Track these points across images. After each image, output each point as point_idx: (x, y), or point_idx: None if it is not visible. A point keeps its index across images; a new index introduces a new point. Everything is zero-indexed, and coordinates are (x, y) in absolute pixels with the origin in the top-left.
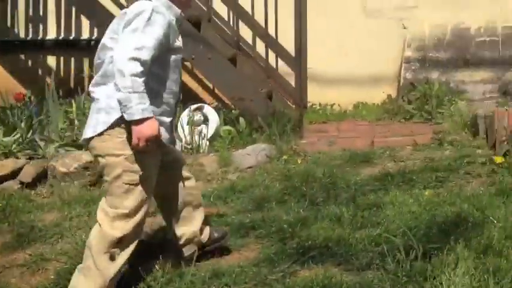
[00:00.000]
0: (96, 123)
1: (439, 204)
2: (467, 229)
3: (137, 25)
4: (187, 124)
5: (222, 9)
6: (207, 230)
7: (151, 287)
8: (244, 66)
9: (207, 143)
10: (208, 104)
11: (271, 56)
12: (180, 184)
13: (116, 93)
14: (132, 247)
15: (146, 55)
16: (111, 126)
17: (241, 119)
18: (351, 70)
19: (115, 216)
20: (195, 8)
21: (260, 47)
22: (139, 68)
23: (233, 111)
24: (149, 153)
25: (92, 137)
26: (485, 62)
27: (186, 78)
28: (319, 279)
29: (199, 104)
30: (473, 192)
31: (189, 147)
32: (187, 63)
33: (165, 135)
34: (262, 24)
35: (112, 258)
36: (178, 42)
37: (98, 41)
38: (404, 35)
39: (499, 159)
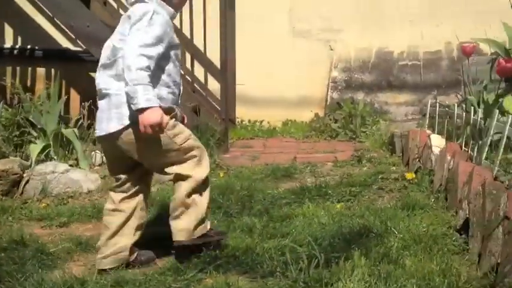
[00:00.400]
0: (120, 116)
1: (348, 217)
2: (369, 239)
3: (141, 25)
4: None
5: None
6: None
7: None
8: None
9: None
10: None
11: (201, 71)
12: None
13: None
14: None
15: (151, 51)
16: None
17: None
18: (280, 89)
19: (193, 166)
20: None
21: (189, 60)
22: (145, 63)
23: None
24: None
25: (119, 130)
26: (408, 85)
27: None
28: (219, 286)
29: None
30: (381, 206)
31: None
32: None
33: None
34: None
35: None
36: (176, 38)
37: (21, 49)
38: (332, 56)
39: (410, 176)
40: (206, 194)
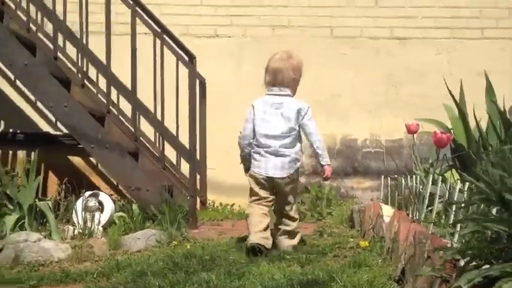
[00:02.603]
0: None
1: (299, 274)
2: (314, 286)
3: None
4: (82, 210)
5: (126, 107)
6: None
7: None
8: (146, 162)
9: (101, 229)
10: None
11: (173, 153)
12: None
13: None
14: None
15: None
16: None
17: (135, 206)
18: None
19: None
20: (98, 104)
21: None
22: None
23: (128, 199)
24: None
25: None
26: (372, 171)
27: (82, 166)
28: None
29: (94, 191)
30: (332, 266)
31: (81, 232)
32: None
33: None
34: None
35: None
36: None
37: (2, 133)
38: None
39: (363, 244)
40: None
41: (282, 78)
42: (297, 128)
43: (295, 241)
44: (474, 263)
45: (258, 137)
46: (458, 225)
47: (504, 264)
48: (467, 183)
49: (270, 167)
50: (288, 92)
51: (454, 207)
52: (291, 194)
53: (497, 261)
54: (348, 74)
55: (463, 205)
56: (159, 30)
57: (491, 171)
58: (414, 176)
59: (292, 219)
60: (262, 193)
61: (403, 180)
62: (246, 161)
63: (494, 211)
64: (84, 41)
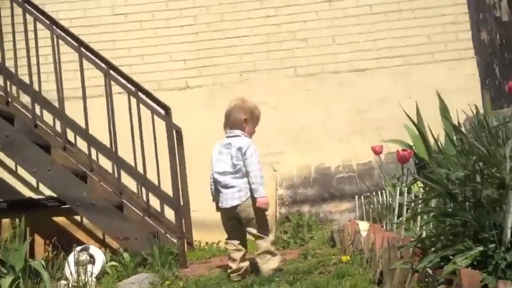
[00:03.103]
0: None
1: None
2: None
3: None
4: (74, 265)
5: (106, 163)
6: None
7: None
8: (131, 213)
9: (94, 280)
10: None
11: (157, 202)
12: None
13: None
14: None
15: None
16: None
17: (126, 254)
18: None
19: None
20: (81, 163)
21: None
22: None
23: (116, 251)
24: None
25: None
26: (347, 194)
27: (67, 224)
28: None
29: (84, 245)
30: (318, 280)
31: (75, 285)
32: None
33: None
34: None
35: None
36: None
37: None
38: (276, 176)
39: (345, 259)
40: None
41: (231, 121)
42: (241, 163)
43: (275, 264)
44: (434, 249)
45: (213, 175)
46: (422, 221)
47: (458, 245)
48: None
49: (224, 198)
50: (237, 133)
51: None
52: (251, 221)
53: (453, 244)
54: (316, 108)
55: (422, 202)
56: (133, 88)
57: (438, 171)
58: (384, 192)
59: (259, 237)
60: (229, 228)
61: (374, 198)
62: (214, 197)
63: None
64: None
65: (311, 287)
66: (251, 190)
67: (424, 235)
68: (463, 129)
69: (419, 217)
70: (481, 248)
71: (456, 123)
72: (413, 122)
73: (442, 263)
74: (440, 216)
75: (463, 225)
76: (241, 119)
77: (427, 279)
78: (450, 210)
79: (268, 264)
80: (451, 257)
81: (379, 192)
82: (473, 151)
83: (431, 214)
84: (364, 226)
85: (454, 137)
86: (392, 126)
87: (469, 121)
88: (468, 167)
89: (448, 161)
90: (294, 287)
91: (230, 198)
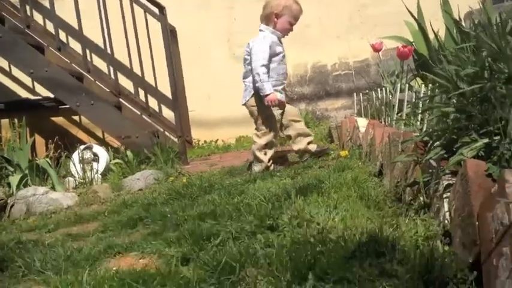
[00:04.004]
0: (244, 96)
1: (291, 184)
2: (306, 189)
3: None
4: (79, 162)
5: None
6: (313, 146)
7: None
8: (130, 113)
9: (100, 176)
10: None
11: (155, 102)
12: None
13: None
14: (271, 151)
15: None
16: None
17: (129, 152)
18: (229, 109)
19: (261, 134)
20: (77, 63)
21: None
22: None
23: (120, 147)
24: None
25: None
26: (343, 92)
27: (67, 125)
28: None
29: (88, 144)
30: (319, 173)
31: (82, 181)
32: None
33: (280, 97)
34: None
35: (264, 154)
36: (280, 49)
37: None
38: None
39: (343, 153)
40: None
41: (262, 15)
42: (249, 60)
43: (258, 168)
44: (439, 142)
45: None
46: (426, 117)
47: (464, 137)
48: (430, 85)
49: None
50: (261, 27)
51: (420, 104)
52: (257, 120)
53: (458, 138)
54: (313, 4)
55: (427, 99)
56: None
57: (448, 67)
58: (384, 89)
59: (256, 136)
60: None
61: (373, 94)
62: None
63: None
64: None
65: (313, 180)
66: (256, 89)
67: (425, 128)
68: (463, 23)
69: (420, 113)
70: (486, 140)
71: (457, 18)
72: (414, 17)
73: (447, 155)
74: (446, 111)
75: (467, 119)
76: (269, 13)
77: (430, 171)
78: (458, 105)
79: (254, 167)
80: (455, 150)
81: (378, 89)
82: (482, 46)
83: (442, 109)
84: (362, 122)
85: (455, 32)
86: (391, 22)
87: (469, 16)
88: (478, 64)
89: (458, 57)
90: (295, 180)
91: (242, 97)
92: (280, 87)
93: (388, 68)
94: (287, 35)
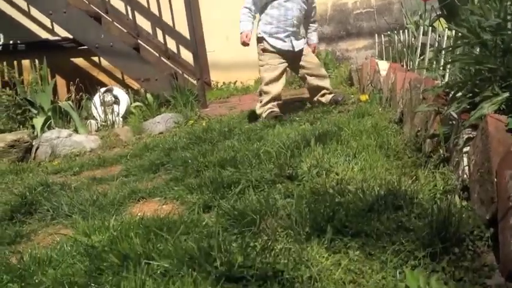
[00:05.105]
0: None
1: (310, 130)
2: (325, 137)
3: None
4: (100, 105)
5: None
6: (328, 96)
7: None
8: (148, 55)
9: (121, 119)
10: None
11: (173, 42)
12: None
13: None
14: (271, 95)
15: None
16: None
17: (149, 95)
18: (248, 49)
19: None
20: (94, 4)
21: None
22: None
23: (139, 90)
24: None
25: None
26: (364, 31)
27: (86, 66)
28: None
29: (108, 87)
30: (338, 119)
31: (104, 124)
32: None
33: (282, 45)
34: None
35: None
36: None
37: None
38: None
39: (363, 98)
40: None
41: None
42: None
43: (258, 110)
44: (461, 94)
45: None
46: (448, 67)
47: (485, 91)
48: (453, 31)
49: None
50: None
51: (443, 52)
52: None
53: (480, 91)
54: None
55: (450, 49)
56: None
57: (471, 18)
58: (406, 30)
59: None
60: None
61: (395, 36)
62: None
63: (477, 51)
64: None
65: (332, 127)
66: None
67: (447, 77)
68: None
69: (442, 58)
70: (507, 94)
71: None
72: None
73: (468, 107)
74: (469, 63)
75: (489, 72)
76: None
77: (451, 122)
78: (481, 56)
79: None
80: (476, 103)
81: (400, 31)
82: None
83: (463, 61)
84: (383, 65)
85: None
86: None
87: None
88: (501, 14)
89: (481, 7)
90: (315, 126)
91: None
92: (283, 35)
93: (411, 7)
94: None
